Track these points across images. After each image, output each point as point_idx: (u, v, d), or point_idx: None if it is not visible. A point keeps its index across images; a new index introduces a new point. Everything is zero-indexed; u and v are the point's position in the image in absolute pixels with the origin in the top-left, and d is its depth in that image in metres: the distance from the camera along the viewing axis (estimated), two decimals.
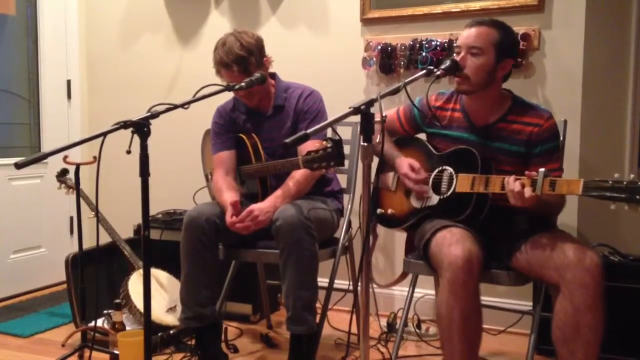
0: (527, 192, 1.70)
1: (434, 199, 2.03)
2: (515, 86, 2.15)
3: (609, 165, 2.58)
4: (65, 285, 2.68)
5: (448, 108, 2.09)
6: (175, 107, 1.72)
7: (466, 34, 1.94)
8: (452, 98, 2.10)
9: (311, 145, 1.84)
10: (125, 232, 2.91)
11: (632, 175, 1.58)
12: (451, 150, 2.03)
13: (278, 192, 2.21)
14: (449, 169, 2.01)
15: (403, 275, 2.30)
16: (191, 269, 2.20)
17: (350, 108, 1.53)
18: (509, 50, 1.96)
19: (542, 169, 1.72)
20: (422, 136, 2.21)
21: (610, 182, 1.57)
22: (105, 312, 2.52)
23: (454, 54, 1.96)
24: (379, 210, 2.20)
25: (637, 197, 1.53)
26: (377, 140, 1.64)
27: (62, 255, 2.67)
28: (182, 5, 3.41)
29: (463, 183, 1.93)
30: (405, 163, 2.08)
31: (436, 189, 2.03)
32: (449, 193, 1.98)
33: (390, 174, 2.22)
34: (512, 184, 1.73)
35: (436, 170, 2.05)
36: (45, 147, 3.51)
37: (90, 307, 2.50)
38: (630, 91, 2.55)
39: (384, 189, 2.24)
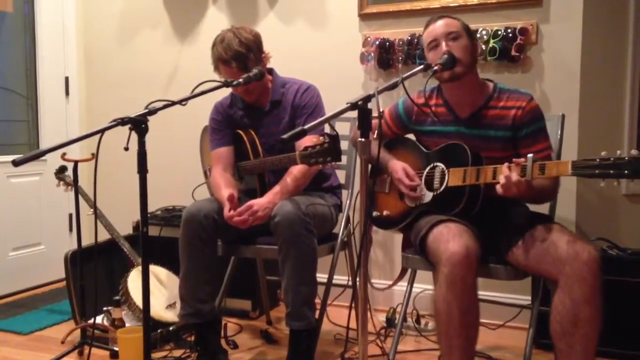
0: (514, 176, 1.72)
1: (428, 195, 2.03)
2: (512, 81, 2.15)
3: None
4: (64, 283, 2.69)
5: (431, 104, 2.09)
6: (173, 103, 1.72)
7: (437, 26, 1.97)
8: (432, 94, 2.11)
9: (309, 140, 1.84)
10: (124, 228, 2.91)
11: (619, 152, 1.59)
12: (441, 147, 2.04)
13: (276, 188, 2.21)
14: (441, 165, 2.01)
15: (402, 274, 2.30)
16: (190, 266, 2.20)
17: (347, 104, 1.53)
18: (473, 33, 2.04)
19: (530, 155, 1.74)
20: (410, 136, 2.22)
21: (597, 159, 1.60)
22: (104, 308, 2.52)
23: (429, 52, 1.98)
24: (374, 213, 2.20)
25: (625, 171, 1.55)
26: (375, 136, 1.64)
27: (62, 252, 2.67)
28: (179, 1, 3.40)
29: (455, 177, 1.94)
30: (399, 167, 2.09)
31: (429, 186, 2.04)
32: (442, 188, 1.98)
33: (383, 177, 2.22)
34: (506, 170, 1.75)
35: (428, 168, 2.06)
36: (44, 144, 3.51)
37: (89, 304, 2.50)
38: (628, 85, 2.55)
39: (378, 192, 2.24)
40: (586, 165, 1.62)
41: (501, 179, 1.74)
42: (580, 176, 1.67)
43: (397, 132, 2.22)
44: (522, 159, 1.74)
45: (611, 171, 1.57)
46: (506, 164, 1.77)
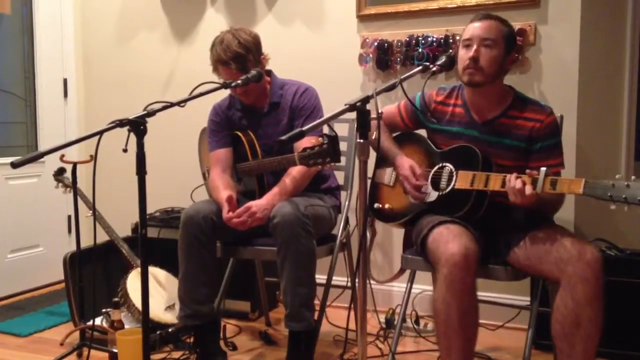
0: (528, 189, 1.71)
1: (433, 194, 2.03)
2: (511, 82, 2.15)
3: (606, 160, 2.59)
4: (63, 284, 2.68)
5: (449, 103, 2.09)
6: (172, 105, 1.72)
7: (477, 27, 1.94)
8: (453, 93, 2.10)
9: (307, 142, 1.85)
10: (123, 230, 2.91)
11: (634, 177, 1.56)
12: (452, 148, 2.03)
13: (275, 190, 2.21)
14: (449, 166, 2.01)
15: (401, 272, 2.30)
16: (189, 267, 2.20)
17: (346, 105, 1.53)
18: (514, 44, 2.02)
19: (543, 168, 1.73)
20: (422, 132, 2.21)
21: (611, 182, 1.57)
22: (103, 310, 2.52)
23: (464, 48, 1.96)
24: (376, 205, 2.20)
25: (639, 198, 1.53)
26: (374, 137, 1.64)
27: (60, 254, 2.67)
28: (177, 2, 3.40)
29: (463, 180, 1.93)
30: (406, 164, 2.08)
31: (435, 185, 2.03)
32: (448, 189, 1.98)
33: (389, 170, 2.22)
34: (514, 181, 1.74)
35: (436, 167, 2.05)
36: (42, 146, 3.50)
37: (88, 305, 2.50)
38: (627, 85, 2.55)
39: (382, 185, 2.24)
40: (599, 186, 1.59)
41: (517, 183, 1.73)
42: (591, 197, 1.60)
43: (411, 126, 2.22)
44: (535, 172, 1.73)
45: (624, 196, 1.54)
46: (514, 174, 1.76)
